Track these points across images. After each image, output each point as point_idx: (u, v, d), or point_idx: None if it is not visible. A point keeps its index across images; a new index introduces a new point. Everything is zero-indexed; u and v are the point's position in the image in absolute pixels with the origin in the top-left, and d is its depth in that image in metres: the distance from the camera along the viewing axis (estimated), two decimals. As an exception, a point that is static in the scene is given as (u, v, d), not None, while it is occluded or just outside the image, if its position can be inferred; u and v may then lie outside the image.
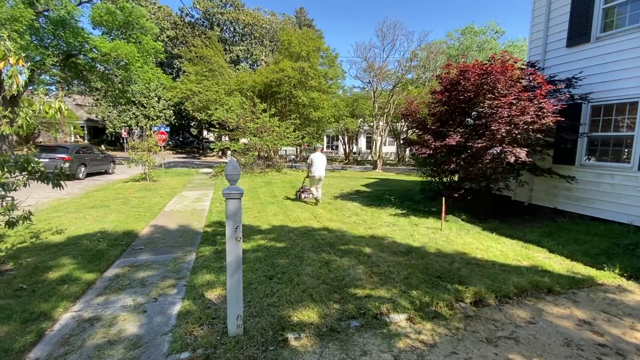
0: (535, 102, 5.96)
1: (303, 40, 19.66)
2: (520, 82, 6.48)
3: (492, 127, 5.96)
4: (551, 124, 6.06)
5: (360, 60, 36.76)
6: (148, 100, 29.95)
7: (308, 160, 8.18)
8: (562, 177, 6.50)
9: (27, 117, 3.58)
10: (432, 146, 6.99)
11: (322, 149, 7.41)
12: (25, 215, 3.83)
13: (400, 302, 3.25)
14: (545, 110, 5.94)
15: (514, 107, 5.95)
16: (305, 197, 8.97)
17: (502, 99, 6.16)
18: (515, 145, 6.08)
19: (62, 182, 3.69)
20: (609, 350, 2.64)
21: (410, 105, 8.54)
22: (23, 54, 3.53)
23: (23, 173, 3.55)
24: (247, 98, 18.36)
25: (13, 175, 3.55)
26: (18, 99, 13.77)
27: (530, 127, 5.99)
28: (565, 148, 6.73)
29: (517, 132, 6.02)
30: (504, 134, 5.94)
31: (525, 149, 6.01)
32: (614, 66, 6.01)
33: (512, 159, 5.89)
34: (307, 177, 8.37)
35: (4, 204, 3.69)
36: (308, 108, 20.31)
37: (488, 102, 6.30)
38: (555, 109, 6.06)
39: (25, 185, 3.70)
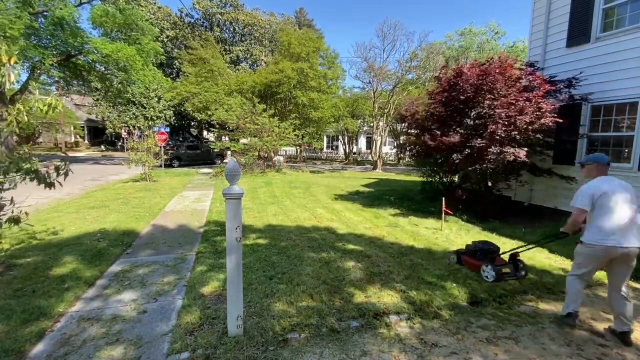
0: (534, 102, 5.97)
1: (303, 40, 19.63)
2: (520, 82, 6.48)
3: (491, 128, 5.97)
4: (550, 124, 6.06)
5: (360, 61, 36.79)
6: (148, 100, 29.95)
7: (579, 201, 2.93)
8: (562, 177, 6.50)
9: (22, 115, 3.57)
10: (431, 147, 7.00)
11: (605, 165, 3.13)
12: (14, 218, 3.76)
13: (400, 302, 3.25)
14: (543, 110, 5.95)
15: (513, 107, 5.95)
16: (504, 278, 3.83)
17: (501, 99, 6.16)
18: (514, 146, 6.08)
19: (54, 182, 3.69)
20: (609, 350, 2.64)
21: (410, 105, 8.56)
22: (15, 51, 3.54)
23: (19, 173, 3.54)
24: (247, 98, 18.34)
25: (9, 176, 3.54)
26: (15, 98, 13.78)
27: (530, 127, 5.99)
28: (565, 148, 6.73)
29: (516, 132, 6.02)
30: (502, 135, 5.94)
31: (525, 149, 6.02)
32: (613, 66, 6.01)
33: (511, 158, 5.90)
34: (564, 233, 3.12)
35: None
36: (308, 108, 20.29)
37: (487, 102, 6.30)
38: (554, 108, 6.06)
39: (22, 182, 3.68)
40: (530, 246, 3.99)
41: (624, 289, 2.80)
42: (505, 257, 4.04)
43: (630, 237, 2.72)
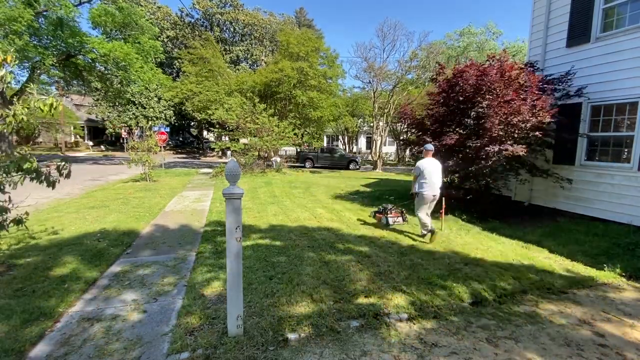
0: (529, 100, 5.98)
1: (302, 40, 19.64)
2: (518, 82, 6.50)
3: (488, 125, 5.97)
4: (547, 119, 6.06)
5: (361, 61, 36.84)
6: (148, 100, 29.95)
7: (414, 171, 5.56)
8: (562, 177, 6.51)
9: (22, 115, 3.56)
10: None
11: (432, 151, 5.59)
12: (17, 219, 3.77)
13: (400, 302, 3.26)
14: (538, 108, 5.96)
15: (509, 106, 5.98)
16: (394, 222, 6.36)
17: (499, 99, 6.18)
18: (512, 144, 6.10)
19: (56, 181, 3.69)
20: (609, 350, 2.64)
21: (408, 106, 8.62)
22: (11, 49, 3.56)
23: (19, 172, 3.53)
24: (247, 98, 18.35)
25: (10, 175, 3.54)
26: (14, 98, 13.78)
27: (527, 124, 6.01)
28: (565, 148, 6.73)
29: (512, 130, 6.04)
30: (500, 133, 5.96)
31: (524, 147, 6.04)
32: (613, 66, 6.01)
33: (509, 155, 5.93)
34: (414, 195, 5.65)
35: None
36: (307, 108, 20.31)
37: (486, 102, 6.31)
38: (552, 106, 6.09)
39: (21, 184, 3.68)
40: (403, 206, 7.12)
41: (429, 212, 5.56)
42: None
43: (438, 189, 5.48)
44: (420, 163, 5.47)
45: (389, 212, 6.45)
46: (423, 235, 5.51)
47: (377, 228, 6.22)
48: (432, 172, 5.38)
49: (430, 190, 5.37)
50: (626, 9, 5.98)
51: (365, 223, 6.58)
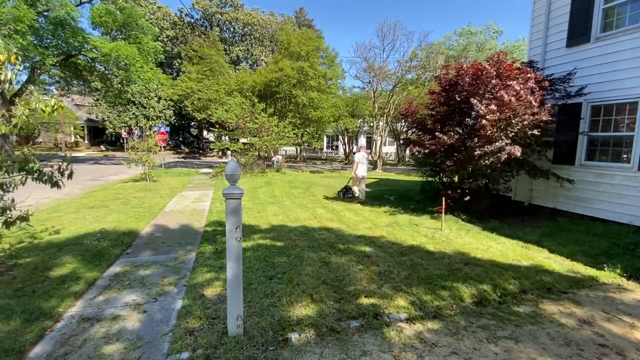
0: (524, 99, 5.98)
1: (302, 40, 19.65)
2: (517, 81, 6.50)
3: (486, 118, 5.95)
4: (545, 117, 6.05)
5: (360, 61, 36.76)
6: (148, 100, 29.95)
7: (354, 159, 9.17)
8: (561, 178, 6.51)
9: (25, 116, 3.56)
10: (428, 144, 7.02)
11: (365, 147, 9.02)
12: (23, 216, 3.79)
13: (400, 302, 3.25)
14: (534, 106, 5.96)
15: (506, 104, 5.99)
16: (347, 196, 9.74)
17: (497, 96, 6.19)
18: (511, 144, 6.09)
19: (59, 182, 3.69)
20: (609, 350, 2.64)
21: (409, 106, 8.74)
22: (14, 50, 3.54)
23: (21, 173, 3.53)
24: (246, 98, 18.36)
25: (12, 175, 3.54)
26: (15, 97, 13.79)
27: (524, 122, 6.01)
28: (565, 148, 6.73)
29: (509, 128, 6.03)
30: (495, 131, 5.96)
31: (521, 148, 6.03)
32: (613, 66, 6.01)
33: (505, 157, 5.92)
34: (354, 175, 9.13)
35: (0, 204, 3.67)
36: (307, 108, 20.31)
37: (486, 101, 6.31)
38: (550, 104, 6.08)
39: (22, 184, 3.68)
40: (349, 184, 9.69)
41: (363, 186, 9.22)
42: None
43: (365, 172, 9.02)
44: (357, 155, 9.00)
45: (344, 191, 9.75)
46: (355, 198, 9.07)
47: (377, 228, 6.23)
48: (363, 161, 8.90)
49: (362, 173, 8.83)
50: (626, 9, 5.98)
51: (365, 221, 6.59)
